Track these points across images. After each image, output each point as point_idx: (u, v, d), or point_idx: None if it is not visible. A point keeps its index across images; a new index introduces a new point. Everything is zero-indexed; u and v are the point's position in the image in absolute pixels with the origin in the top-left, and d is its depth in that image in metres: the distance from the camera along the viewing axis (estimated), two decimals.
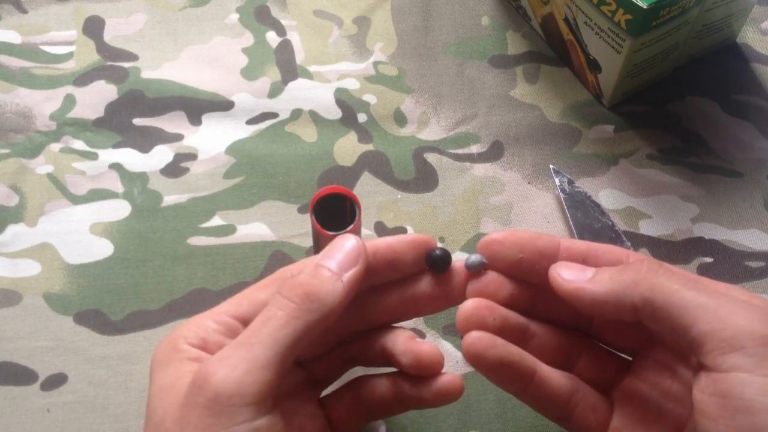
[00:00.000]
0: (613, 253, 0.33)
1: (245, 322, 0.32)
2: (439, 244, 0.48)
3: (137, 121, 0.52)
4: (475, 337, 0.32)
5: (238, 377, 0.28)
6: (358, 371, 0.36)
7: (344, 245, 0.32)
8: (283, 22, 0.56)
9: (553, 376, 0.33)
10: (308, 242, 0.48)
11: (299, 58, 0.55)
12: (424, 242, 0.33)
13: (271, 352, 0.29)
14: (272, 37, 0.56)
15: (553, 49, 0.56)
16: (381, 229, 0.49)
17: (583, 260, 0.33)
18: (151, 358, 0.32)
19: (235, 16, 0.56)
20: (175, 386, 0.30)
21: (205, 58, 0.54)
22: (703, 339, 0.28)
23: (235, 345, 0.30)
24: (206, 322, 0.32)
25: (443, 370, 0.33)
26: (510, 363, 0.32)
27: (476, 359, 0.32)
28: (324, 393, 0.36)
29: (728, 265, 0.48)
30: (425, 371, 0.33)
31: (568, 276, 0.32)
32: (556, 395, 0.33)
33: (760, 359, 0.26)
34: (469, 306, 0.33)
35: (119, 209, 0.48)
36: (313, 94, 0.53)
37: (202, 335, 0.31)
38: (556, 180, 0.50)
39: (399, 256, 0.33)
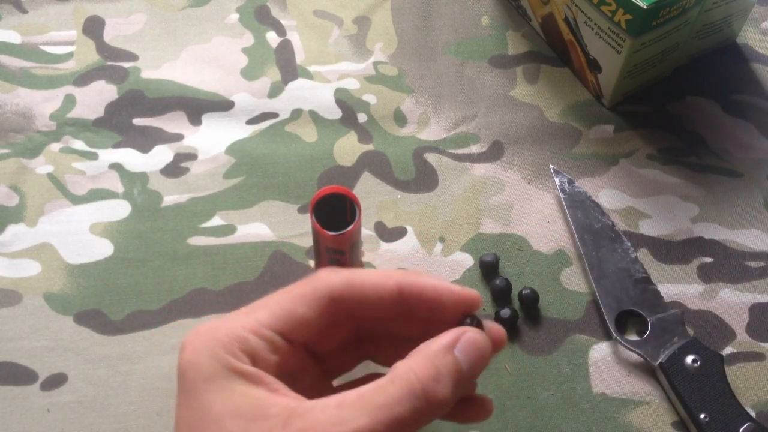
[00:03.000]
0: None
1: (284, 336, 0.31)
2: (439, 244, 0.48)
3: (137, 121, 0.52)
4: None
5: None
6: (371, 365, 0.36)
7: (485, 354, 0.31)
8: (283, 22, 0.56)
9: None
10: (308, 242, 0.48)
11: (299, 58, 0.55)
12: (469, 300, 0.32)
13: None
14: (272, 37, 0.56)
15: (553, 49, 0.56)
16: (381, 229, 0.49)
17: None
18: (185, 366, 0.30)
19: (235, 16, 0.56)
20: (254, 414, 0.28)
21: (205, 58, 0.54)
22: None
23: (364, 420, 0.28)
24: (245, 335, 0.30)
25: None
26: None
27: None
28: (337, 383, 0.36)
29: (728, 265, 0.48)
30: None
31: None
32: None
33: None
34: None
35: (119, 209, 0.48)
36: (313, 94, 0.53)
37: (247, 349, 0.30)
38: (556, 180, 0.50)
39: (441, 306, 0.32)
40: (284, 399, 0.29)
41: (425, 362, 0.29)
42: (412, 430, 0.29)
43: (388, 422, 0.28)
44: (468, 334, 0.31)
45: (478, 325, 0.32)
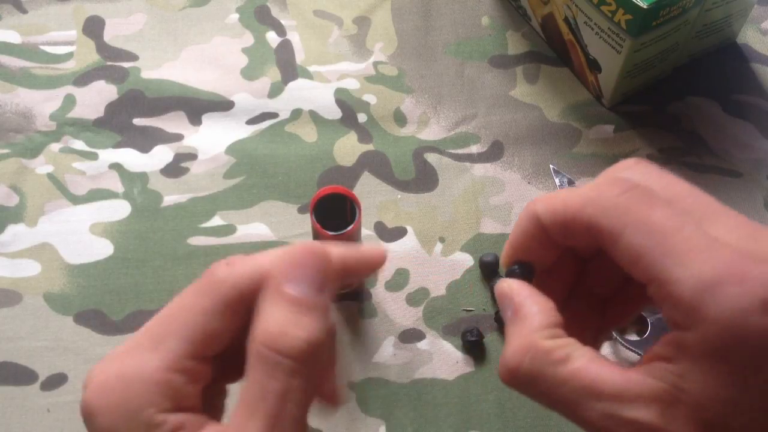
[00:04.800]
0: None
1: (201, 357, 0.26)
2: (440, 244, 0.48)
3: (137, 121, 0.52)
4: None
5: None
6: None
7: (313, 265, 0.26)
8: (283, 22, 0.56)
9: None
10: None
11: (299, 58, 0.55)
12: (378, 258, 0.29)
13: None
14: (272, 37, 0.56)
15: (553, 49, 0.56)
16: (381, 229, 0.49)
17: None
18: None
19: (235, 16, 0.56)
20: None
21: (205, 58, 0.54)
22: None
23: None
24: (164, 377, 0.25)
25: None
26: None
27: None
28: None
29: None
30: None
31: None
32: None
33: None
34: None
35: (119, 209, 0.48)
36: (313, 94, 0.53)
37: (168, 392, 0.25)
38: (556, 180, 0.50)
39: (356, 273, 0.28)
40: None
41: (259, 321, 0.25)
42: (305, 402, 0.25)
43: (271, 414, 0.24)
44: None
45: (528, 269, 0.29)
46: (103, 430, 0.25)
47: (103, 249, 0.47)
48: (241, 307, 0.26)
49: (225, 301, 0.26)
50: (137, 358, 0.26)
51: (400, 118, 0.53)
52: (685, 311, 0.23)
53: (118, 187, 0.49)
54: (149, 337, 0.26)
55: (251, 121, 0.52)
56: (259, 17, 0.56)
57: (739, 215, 0.27)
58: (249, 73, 0.54)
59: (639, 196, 0.25)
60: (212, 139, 0.51)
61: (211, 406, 0.27)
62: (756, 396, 0.23)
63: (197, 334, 0.26)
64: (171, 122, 0.52)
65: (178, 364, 0.25)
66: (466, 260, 0.48)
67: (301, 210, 0.49)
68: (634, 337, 0.45)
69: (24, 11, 0.56)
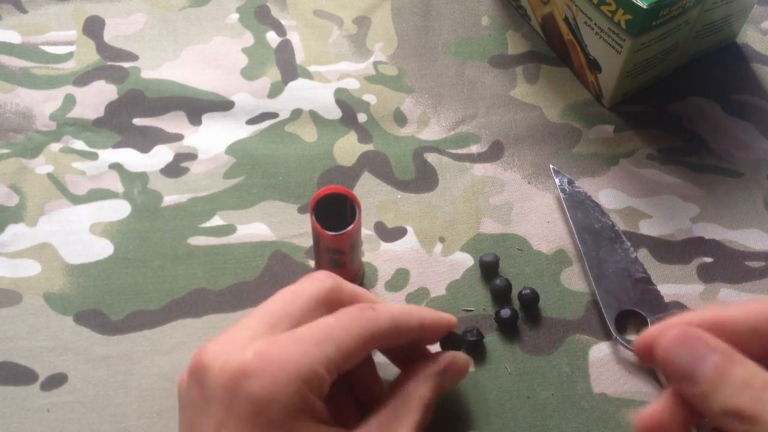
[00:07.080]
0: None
1: (340, 370, 0.33)
2: (440, 244, 0.48)
3: (137, 121, 0.52)
4: None
5: None
6: None
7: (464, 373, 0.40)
8: (283, 22, 0.56)
9: None
10: (308, 242, 0.48)
11: (299, 58, 0.55)
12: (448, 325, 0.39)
13: None
14: (272, 37, 0.56)
15: (553, 49, 0.56)
16: (381, 229, 0.49)
17: None
18: (266, 397, 0.30)
19: (235, 16, 0.56)
20: None
21: (205, 58, 0.54)
22: None
23: None
24: (322, 372, 0.32)
25: None
26: None
27: None
28: None
29: (728, 265, 0.48)
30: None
31: None
32: None
33: None
34: None
35: (119, 209, 0.48)
36: (313, 94, 0.53)
37: (319, 386, 0.32)
38: (556, 180, 0.50)
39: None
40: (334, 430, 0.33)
41: (426, 385, 0.37)
42: None
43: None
44: (456, 362, 0.39)
45: (459, 341, 0.41)
46: (255, 391, 0.30)
47: (103, 249, 0.47)
48: (375, 344, 0.35)
49: (372, 335, 0.34)
50: (303, 348, 0.32)
51: (400, 118, 0.53)
52: None
53: (118, 187, 0.49)
54: (313, 336, 0.32)
55: (251, 121, 0.52)
56: (259, 17, 0.56)
57: None
58: (249, 73, 0.54)
59: None
60: (212, 139, 0.51)
61: None
62: None
63: (349, 350, 0.33)
64: (171, 122, 0.52)
65: (330, 369, 0.32)
66: (466, 260, 0.48)
67: (301, 210, 0.49)
68: (634, 337, 0.45)
69: (24, 11, 0.56)
